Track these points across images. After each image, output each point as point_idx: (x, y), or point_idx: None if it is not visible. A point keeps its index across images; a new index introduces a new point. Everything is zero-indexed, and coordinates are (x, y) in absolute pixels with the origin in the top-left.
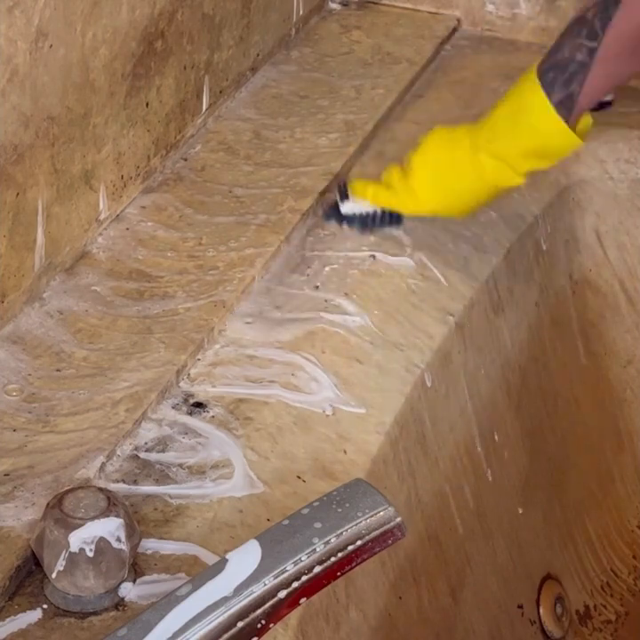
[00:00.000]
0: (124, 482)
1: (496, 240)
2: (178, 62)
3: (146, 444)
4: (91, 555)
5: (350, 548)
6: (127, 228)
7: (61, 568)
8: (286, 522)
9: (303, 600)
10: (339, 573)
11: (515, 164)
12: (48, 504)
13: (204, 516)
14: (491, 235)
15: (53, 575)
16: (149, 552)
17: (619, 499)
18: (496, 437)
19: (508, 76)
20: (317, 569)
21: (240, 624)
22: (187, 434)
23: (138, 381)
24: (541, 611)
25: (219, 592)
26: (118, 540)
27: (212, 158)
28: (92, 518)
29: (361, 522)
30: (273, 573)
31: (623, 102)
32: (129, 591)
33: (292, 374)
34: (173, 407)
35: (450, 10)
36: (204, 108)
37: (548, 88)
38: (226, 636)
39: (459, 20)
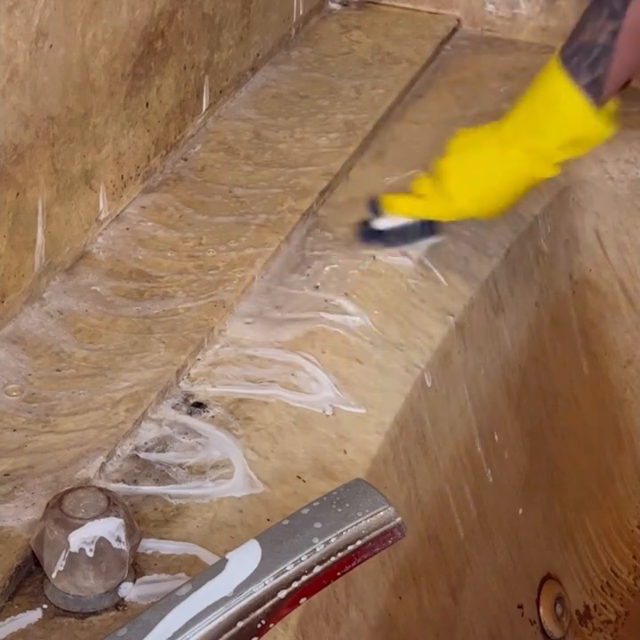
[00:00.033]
0: (123, 482)
1: (496, 240)
2: (178, 62)
3: (146, 443)
4: (91, 555)
5: (350, 548)
6: (127, 228)
7: (61, 568)
8: (286, 522)
9: (303, 600)
10: (339, 573)
11: (548, 154)
12: (48, 504)
13: (203, 515)
14: (491, 235)
15: (53, 575)
16: (149, 552)
17: (619, 499)
18: (496, 437)
19: (508, 76)
20: (317, 569)
21: (240, 624)
22: (187, 434)
23: (138, 381)
24: (541, 611)
25: (219, 592)
26: (118, 540)
27: (212, 158)
28: (92, 518)
29: (361, 522)
30: (273, 573)
31: (623, 102)
32: (129, 591)
33: (292, 374)
34: (173, 407)
35: (450, 10)
36: (204, 108)
37: (574, 73)
38: (226, 636)
39: (459, 20)
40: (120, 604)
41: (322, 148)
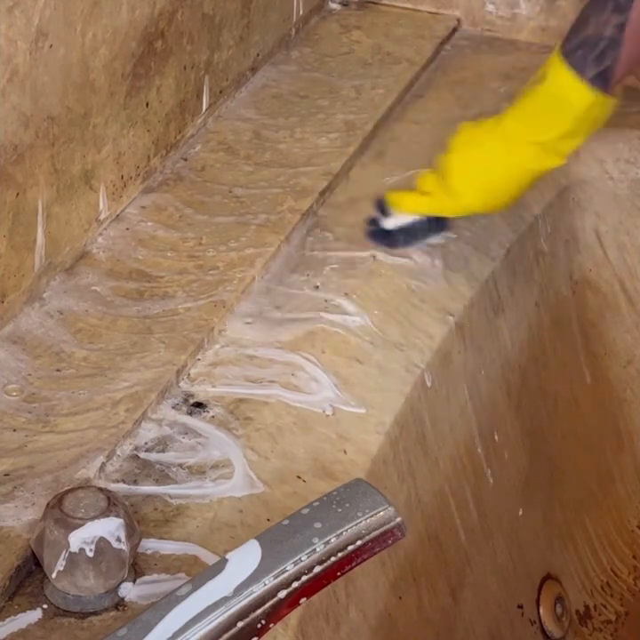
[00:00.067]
0: (124, 482)
1: (496, 240)
2: (178, 62)
3: (146, 443)
4: (91, 555)
5: (350, 548)
6: (127, 228)
7: (61, 568)
8: (286, 522)
9: (303, 600)
10: (339, 573)
11: (555, 146)
12: (48, 504)
13: (203, 515)
14: (491, 235)
15: (53, 575)
16: (149, 552)
17: (619, 499)
18: (496, 437)
19: (508, 76)
20: (317, 569)
21: (240, 624)
22: (187, 434)
23: (138, 381)
24: (541, 611)
25: (219, 592)
26: (118, 539)
27: (212, 158)
28: (92, 518)
29: (361, 522)
30: (273, 573)
31: (623, 102)
32: (129, 591)
33: (292, 374)
34: (173, 407)
35: (450, 10)
36: (204, 108)
37: (578, 66)
38: (226, 636)
39: (459, 20)
40: (120, 604)
41: (322, 148)
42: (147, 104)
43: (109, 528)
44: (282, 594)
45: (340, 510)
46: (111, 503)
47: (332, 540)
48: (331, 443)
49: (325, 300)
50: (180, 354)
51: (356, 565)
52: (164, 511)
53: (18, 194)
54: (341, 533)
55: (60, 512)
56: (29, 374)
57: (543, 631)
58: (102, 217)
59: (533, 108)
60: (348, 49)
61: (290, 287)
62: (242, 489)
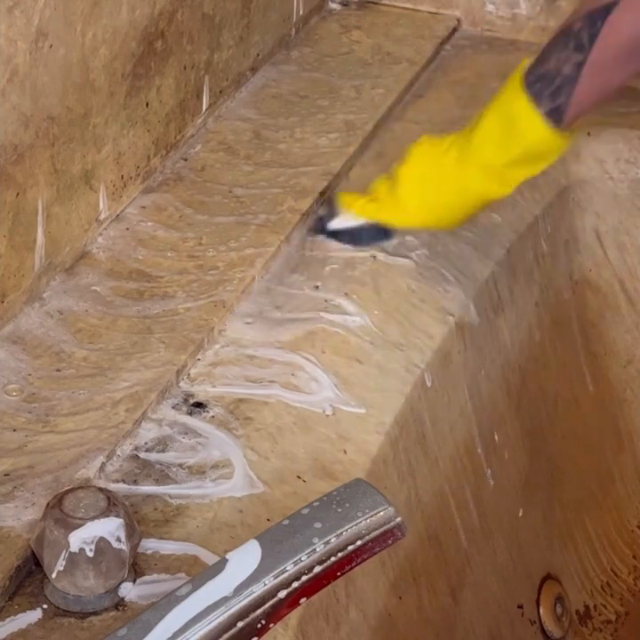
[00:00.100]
0: (124, 482)
1: (496, 240)
2: (178, 62)
3: (146, 443)
4: (91, 555)
5: (350, 548)
6: (127, 228)
7: (61, 568)
8: (286, 522)
9: (303, 600)
10: (339, 573)
11: (504, 175)
12: (48, 504)
13: (203, 516)
14: (491, 235)
15: (53, 575)
16: (149, 552)
17: (619, 499)
18: (496, 437)
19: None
20: (317, 569)
21: (240, 624)
22: (187, 434)
23: (138, 381)
24: (541, 611)
25: (219, 592)
26: (118, 540)
27: (212, 158)
28: (92, 518)
29: (361, 522)
30: (273, 573)
31: (623, 102)
32: (129, 591)
33: (292, 374)
34: (173, 407)
35: (450, 10)
36: (204, 108)
37: (536, 98)
38: (226, 636)
39: (459, 20)
40: (120, 604)
41: (322, 148)
42: (147, 104)
43: (109, 528)
44: (282, 594)
45: (339, 510)
46: (111, 503)
47: (332, 540)
48: (331, 443)
49: (325, 300)
50: (180, 354)
51: (355, 565)
52: (164, 511)
53: (18, 194)
54: (341, 533)
55: (60, 512)
56: (29, 374)
57: (543, 631)
58: (102, 217)
59: (491, 132)
60: (348, 49)
61: (290, 287)
62: (242, 489)
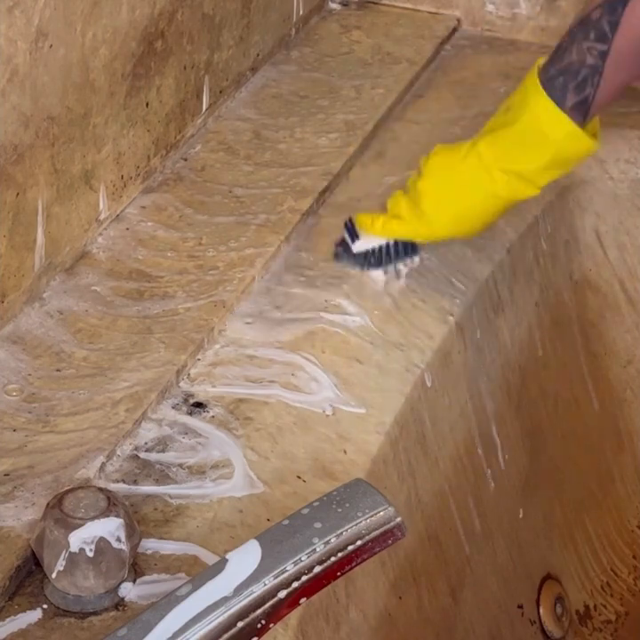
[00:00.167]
0: (124, 482)
1: (496, 240)
2: (178, 62)
3: (146, 444)
4: (91, 555)
5: (350, 548)
6: (127, 228)
7: (61, 568)
8: (286, 522)
9: (303, 600)
10: (339, 573)
11: (532, 177)
12: (48, 504)
13: (203, 515)
14: (491, 235)
15: (53, 575)
16: (149, 552)
17: (619, 499)
18: (496, 437)
19: (507, 76)
20: (317, 569)
21: (240, 624)
22: (187, 434)
23: (138, 381)
24: (541, 611)
25: (219, 592)
26: (118, 540)
27: (212, 158)
28: (92, 518)
29: (361, 522)
30: (273, 573)
31: (623, 102)
32: (129, 591)
33: (292, 374)
34: (173, 407)
35: (450, 10)
36: (204, 108)
37: (557, 94)
38: (226, 636)
39: (459, 20)
40: (120, 604)
41: (322, 148)
42: (147, 104)
43: (109, 528)
44: (282, 594)
45: (339, 510)
46: (111, 503)
47: (332, 540)
48: (331, 443)
49: (325, 300)
50: (180, 354)
51: (356, 565)
52: (164, 511)
53: (18, 194)
54: (341, 533)
55: (60, 512)
56: (29, 374)
57: (543, 631)
58: (102, 217)
59: (512, 135)
60: (348, 49)
61: (290, 287)
62: (242, 489)
